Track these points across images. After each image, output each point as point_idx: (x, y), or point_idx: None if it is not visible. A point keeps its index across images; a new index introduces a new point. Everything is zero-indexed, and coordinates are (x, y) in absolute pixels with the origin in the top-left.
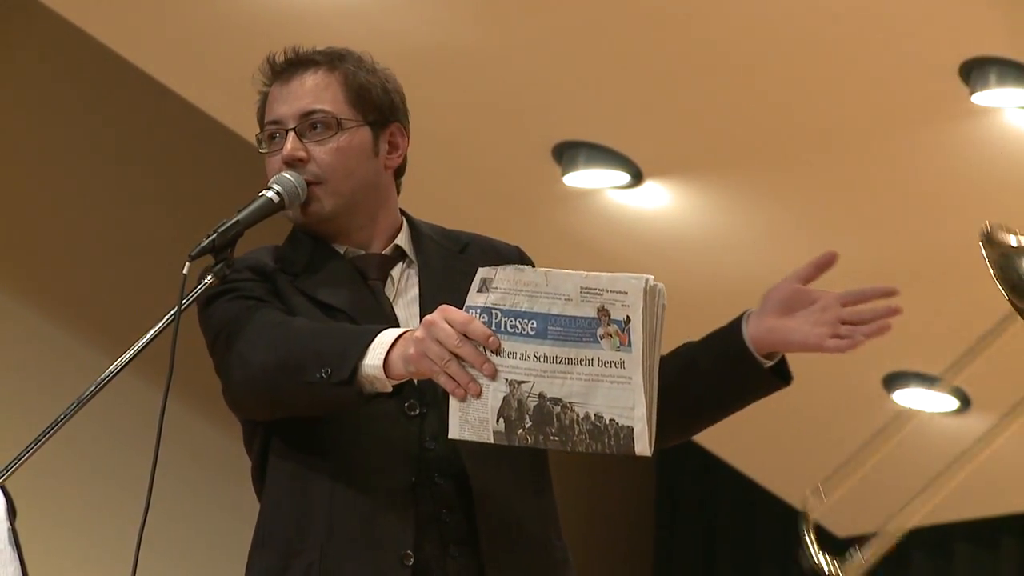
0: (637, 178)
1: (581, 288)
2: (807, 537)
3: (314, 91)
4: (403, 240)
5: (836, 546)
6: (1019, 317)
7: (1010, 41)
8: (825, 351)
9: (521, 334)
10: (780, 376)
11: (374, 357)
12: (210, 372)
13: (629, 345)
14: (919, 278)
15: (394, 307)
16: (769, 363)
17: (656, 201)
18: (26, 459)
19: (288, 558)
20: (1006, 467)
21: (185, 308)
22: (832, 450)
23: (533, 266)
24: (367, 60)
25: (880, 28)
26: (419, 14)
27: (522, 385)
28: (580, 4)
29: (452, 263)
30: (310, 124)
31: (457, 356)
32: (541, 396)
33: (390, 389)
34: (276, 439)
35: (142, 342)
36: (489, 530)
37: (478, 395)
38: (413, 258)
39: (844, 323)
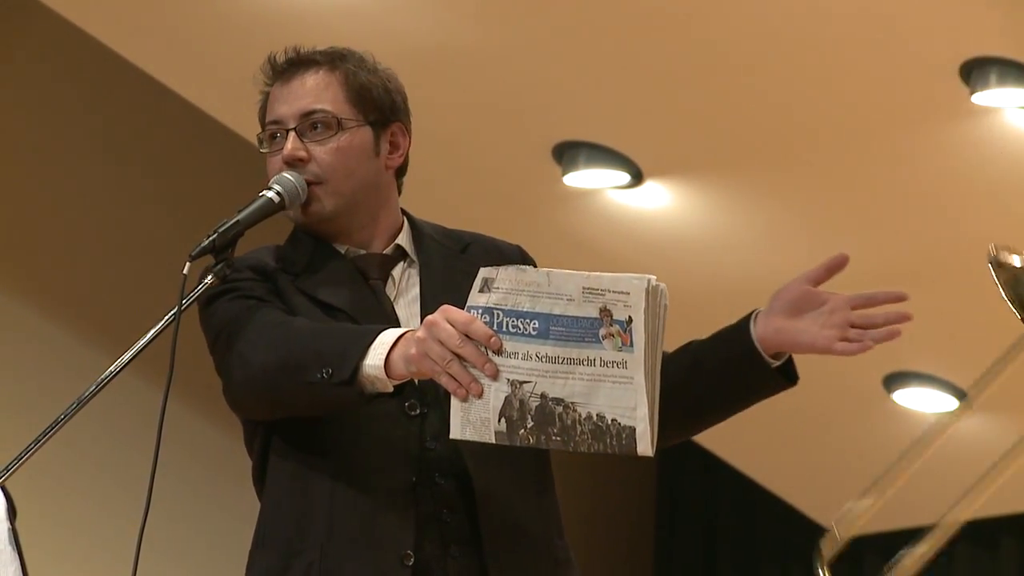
0: (637, 178)
1: (583, 288)
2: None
3: (315, 91)
4: (404, 240)
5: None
6: None
7: (1010, 41)
8: (833, 353)
9: (523, 334)
10: (787, 376)
11: (375, 357)
12: (210, 372)
13: (631, 345)
14: (919, 277)
15: (395, 307)
16: (776, 363)
17: (656, 201)
18: (26, 459)
19: (288, 558)
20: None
21: (185, 308)
22: (832, 450)
23: (535, 266)
24: (368, 60)
25: (880, 28)
26: (419, 14)
27: (524, 385)
28: (580, 4)
29: (453, 263)
30: (311, 124)
31: (459, 356)
32: (543, 396)
33: (391, 389)
34: (277, 439)
35: (142, 342)
36: (491, 530)
37: (480, 395)
38: (414, 258)
39: (853, 326)
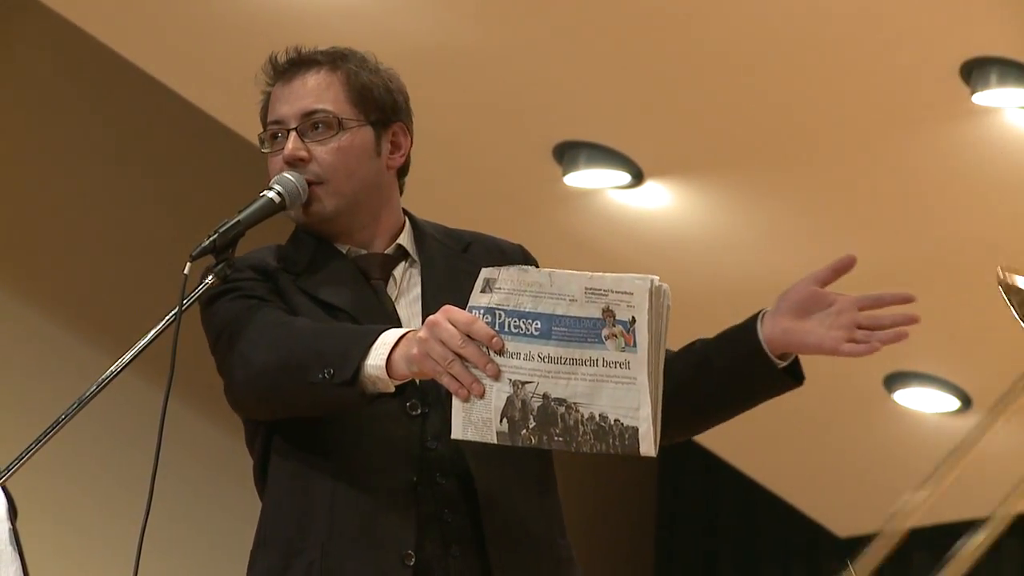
0: (638, 178)
1: (586, 289)
2: None
3: (316, 91)
4: (406, 239)
5: (837, 546)
6: None
7: (1011, 41)
8: (841, 355)
9: (525, 334)
10: (793, 377)
11: (377, 357)
12: (211, 372)
13: (634, 346)
14: (919, 277)
15: (396, 307)
16: (783, 363)
17: (657, 201)
18: (27, 459)
19: (289, 557)
20: (1006, 467)
21: (186, 308)
22: (832, 450)
23: (537, 265)
24: (370, 60)
25: (880, 28)
26: (419, 14)
27: (526, 385)
28: (580, 4)
29: (455, 262)
30: (312, 124)
31: (460, 356)
32: (545, 396)
33: (393, 389)
34: (278, 438)
35: (143, 342)
36: (494, 530)
37: (481, 395)
38: (416, 257)
39: (860, 327)
